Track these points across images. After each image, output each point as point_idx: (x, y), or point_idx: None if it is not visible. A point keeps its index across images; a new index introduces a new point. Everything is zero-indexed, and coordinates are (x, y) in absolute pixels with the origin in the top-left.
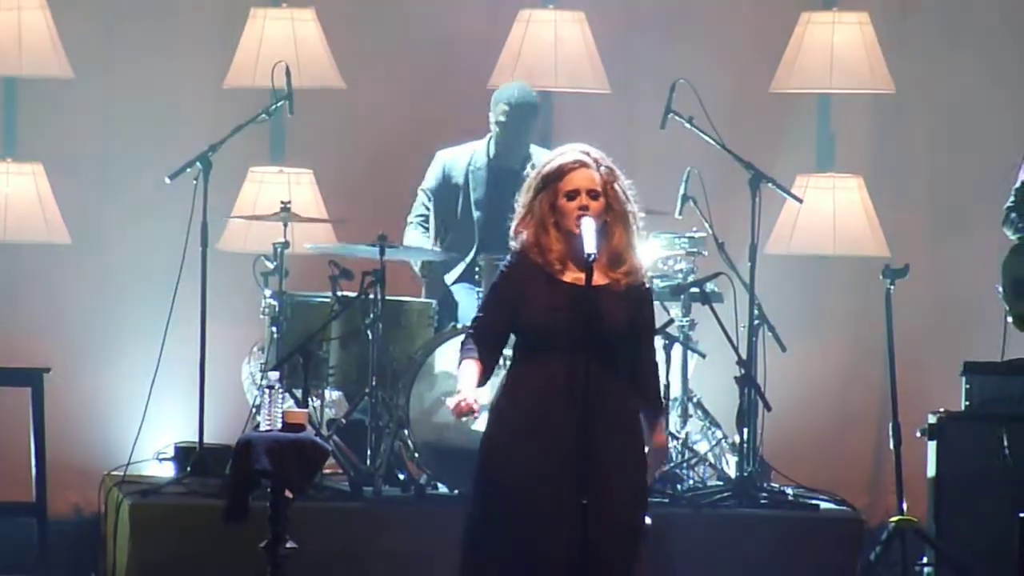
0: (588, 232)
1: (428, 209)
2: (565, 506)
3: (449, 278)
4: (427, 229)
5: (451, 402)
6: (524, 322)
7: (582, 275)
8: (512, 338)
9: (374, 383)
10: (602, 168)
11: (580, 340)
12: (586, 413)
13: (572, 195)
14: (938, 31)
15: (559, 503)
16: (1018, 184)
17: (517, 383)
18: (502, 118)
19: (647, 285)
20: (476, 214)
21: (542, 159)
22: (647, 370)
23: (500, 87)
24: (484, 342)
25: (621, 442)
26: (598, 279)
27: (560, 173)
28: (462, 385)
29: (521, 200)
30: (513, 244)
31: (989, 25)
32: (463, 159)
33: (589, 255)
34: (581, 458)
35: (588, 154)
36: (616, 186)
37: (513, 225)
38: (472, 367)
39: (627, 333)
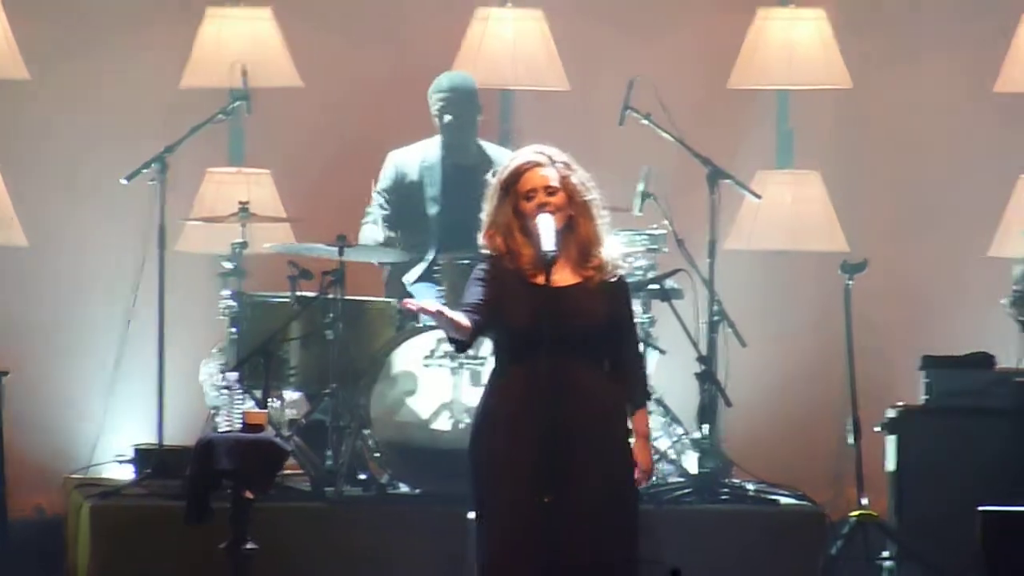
0: (545, 229)
1: (384, 209)
2: (547, 506)
3: (408, 278)
4: (385, 224)
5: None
6: (503, 327)
7: (557, 276)
8: (490, 343)
9: (335, 383)
10: (557, 164)
11: (550, 340)
12: (561, 412)
13: (530, 195)
14: (895, 26)
15: (541, 504)
16: None
17: (499, 387)
18: (440, 104)
19: (621, 277)
20: (432, 211)
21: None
22: (630, 359)
23: (436, 79)
24: (478, 320)
25: (602, 440)
26: (570, 278)
27: (515, 176)
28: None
29: (486, 209)
30: (484, 250)
31: (946, 20)
32: (416, 157)
33: (546, 253)
34: (546, 458)
35: (542, 152)
36: (574, 179)
37: (481, 235)
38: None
39: (607, 329)
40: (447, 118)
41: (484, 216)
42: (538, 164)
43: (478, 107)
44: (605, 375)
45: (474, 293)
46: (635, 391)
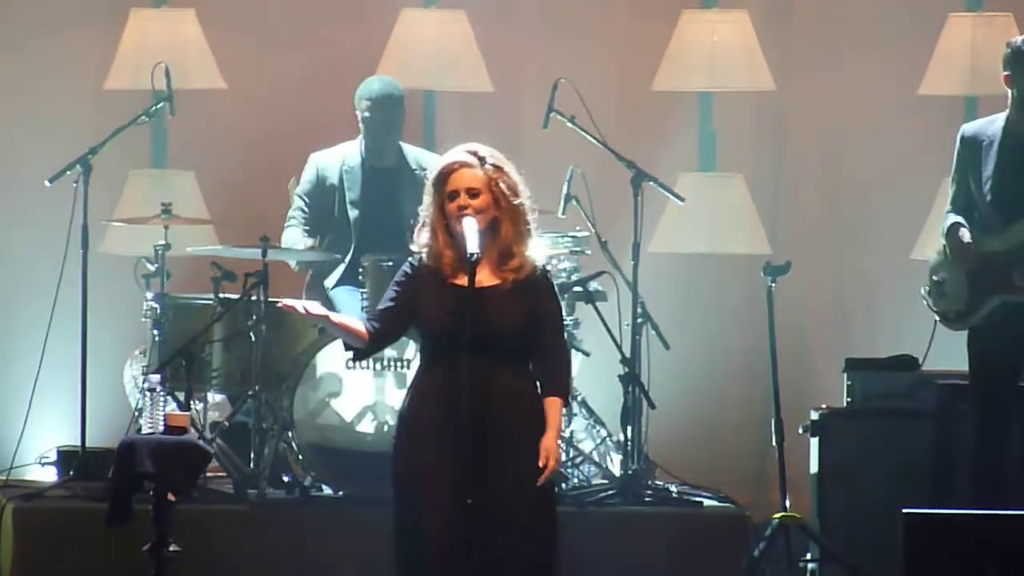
0: (470, 232)
1: (305, 212)
2: (469, 507)
3: (329, 281)
4: (305, 228)
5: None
6: (421, 326)
7: (477, 277)
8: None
9: (257, 385)
10: (487, 165)
11: (469, 342)
12: (481, 413)
13: (453, 196)
14: (819, 28)
15: (463, 505)
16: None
17: (419, 387)
18: (367, 114)
19: (543, 274)
20: (352, 214)
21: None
22: (553, 354)
23: (364, 82)
24: (378, 328)
25: (522, 442)
26: (488, 279)
27: (442, 177)
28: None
29: (425, 202)
30: (412, 247)
31: (869, 22)
32: (336, 160)
33: (471, 255)
34: (466, 458)
35: (475, 153)
36: (502, 182)
37: (415, 232)
38: (359, 322)
39: (524, 331)
40: (374, 124)
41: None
42: (465, 164)
43: (403, 113)
44: (528, 376)
45: (385, 298)
46: (550, 379)
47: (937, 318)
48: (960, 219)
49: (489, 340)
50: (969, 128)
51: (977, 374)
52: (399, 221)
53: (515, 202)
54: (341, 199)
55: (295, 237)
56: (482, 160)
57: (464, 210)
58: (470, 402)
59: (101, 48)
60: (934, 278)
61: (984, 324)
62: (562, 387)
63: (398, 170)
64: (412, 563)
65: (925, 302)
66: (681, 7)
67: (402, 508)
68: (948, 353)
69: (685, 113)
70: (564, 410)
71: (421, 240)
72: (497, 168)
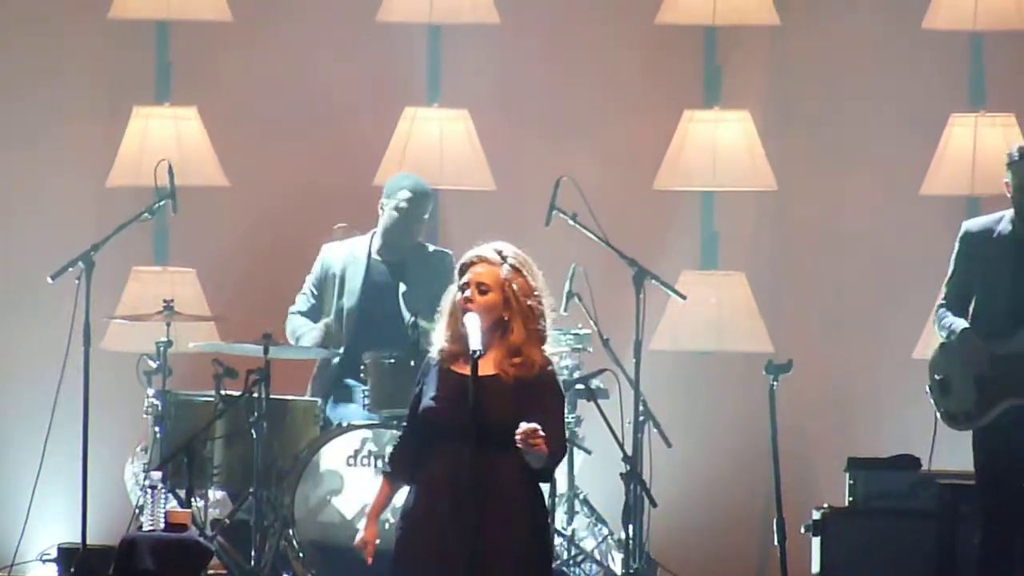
0: (472, 328)
1: (311, 300)
2: None
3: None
4: (304, 313)
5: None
6: (420, 415)
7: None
8: None
9: (259, 482)
10: (507, 264)
11: (465, 431)
12: (472, 504)
13: (464, 288)
14: (820, 128)
15: None
16: (947, 280)
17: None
18: (404, 204)
19: (548, 372)
20: (349, 304)
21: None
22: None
23: (394, 176)
24: (402, 457)
25: (511, 531)
26: (489, 369)
27: (462, 268)
28: (368, 513)
29: None
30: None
31: (871, 121)
32: (344, 251)
33: (474, 352)
34: (466, 551)
35: (500, 252)
36: (516, 283)
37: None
38: (382, 489)
39: (515, 423)
40: (404, 216)
41: None
42: (484, 260)
43: (428, 215)
44: (522, 471)
45: (406, 428)
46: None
47: (939, 416)
48: (966, 324)
49: (482, 430)
50: (974, 224)
51: (985, 476)
52: (396, 316)
53: (527, 303)
54: (340, 290)
55: (301, 324)
56: (504, 259)
57: (469, 303)
58: (471, 494)
59: (103, 145)
60: (936, 376)
61: (992, 426)
62: (555, 452)
63: (403, 264)
64: None
65: (930, 400)
66: (683, 106)
67: None
68: (950, 452)
69: (687, 212)
70: (545, 458)
71: (439, 323)
72: (516, 269)
